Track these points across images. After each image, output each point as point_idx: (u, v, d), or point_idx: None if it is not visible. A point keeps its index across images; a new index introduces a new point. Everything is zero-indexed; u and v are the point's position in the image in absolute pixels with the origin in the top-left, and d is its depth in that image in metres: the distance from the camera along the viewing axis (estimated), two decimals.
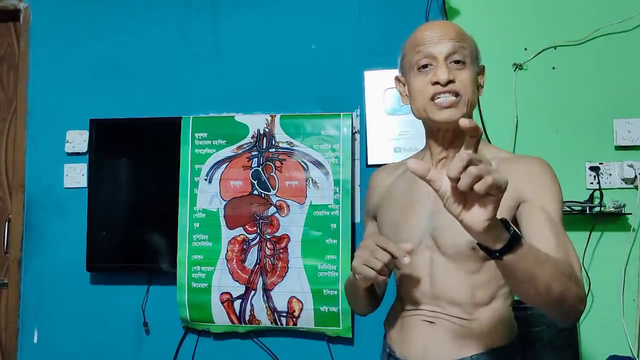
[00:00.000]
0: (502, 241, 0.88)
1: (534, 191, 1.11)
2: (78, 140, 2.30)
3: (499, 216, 0.87)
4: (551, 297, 0.95)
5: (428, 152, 1.25)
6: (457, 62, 1.15)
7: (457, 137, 1.19)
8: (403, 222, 1.21)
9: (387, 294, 1.37)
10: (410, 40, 1.21)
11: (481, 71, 1.23)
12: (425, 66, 1.16)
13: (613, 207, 1.96)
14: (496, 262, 0.92)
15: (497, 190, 0.82)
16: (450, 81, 1.13)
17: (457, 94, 1.14)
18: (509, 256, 0.89)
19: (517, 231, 0.90)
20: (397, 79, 1.27)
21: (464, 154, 0.81)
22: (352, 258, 2.01)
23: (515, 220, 1.13)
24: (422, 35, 1.18)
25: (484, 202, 0.83)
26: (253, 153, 2.15)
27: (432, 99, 1.15)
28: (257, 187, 2.14)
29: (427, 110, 1.16)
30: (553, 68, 2.09)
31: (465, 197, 0.84)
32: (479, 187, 0.80)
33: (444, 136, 1.20)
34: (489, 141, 1.88)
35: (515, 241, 0.89)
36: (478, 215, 0.84)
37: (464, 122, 0.82)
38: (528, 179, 1.13)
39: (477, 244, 0.91)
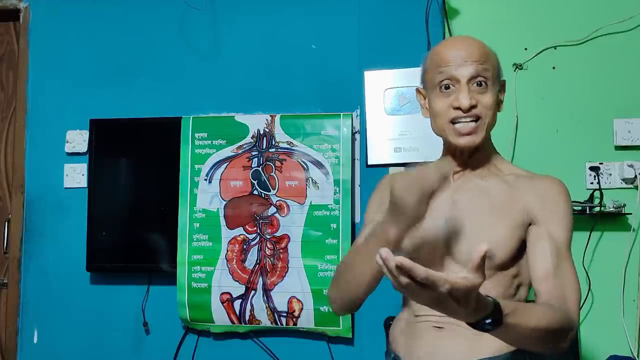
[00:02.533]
0: (474, 322, 0.90)
1: (544, 215, 1.13)
2: (78, 140, 2.30)
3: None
4: (535, 348, 1.04)
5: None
6: (479, 84, 1.15)
7: (474, 155, 1.21)
8: (418, 227, 1.19)
9: (391, 297, 1.37)
10: (433, 57, 1.20)
11: (502, 87, 1.23)
12: (447, 87, 1.16)
13: (613, 207, 1.96)
14: None
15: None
16: (472, 106, 1.14)
17: (477, 118, 1.15)
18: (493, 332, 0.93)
19: (499, 315, 0.90)
20: (418, 91, 1.28)
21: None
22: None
23: (524, 241, 1.15)
24: (445, 55, 1.17)
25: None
26: (253, 153, 2.15)
27: (453, 122, 1.16)
28: (257, 187, 2.14)
29: (447, 134, 1.18)
30: (553, 68, 2.09)
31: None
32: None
33: (461, 153, 1.21)
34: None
35: (496, 323, 0.90)
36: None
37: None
38: (541, 200, 1.14)
39: None
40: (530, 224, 1.14)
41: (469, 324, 0.91)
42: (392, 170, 2.05)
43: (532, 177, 1.20)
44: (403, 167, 1.42)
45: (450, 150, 1.23)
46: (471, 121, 1.15)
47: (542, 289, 1.09)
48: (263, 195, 2.13)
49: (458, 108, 1.14)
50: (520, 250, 1.15)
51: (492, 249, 1.11)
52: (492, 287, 1.13)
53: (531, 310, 0.99)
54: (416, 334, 1.18)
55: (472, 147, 1.17)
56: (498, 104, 1.21)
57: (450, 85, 1.16)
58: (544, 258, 1.09)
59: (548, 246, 1.10)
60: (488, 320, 0.89)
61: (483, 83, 1.15)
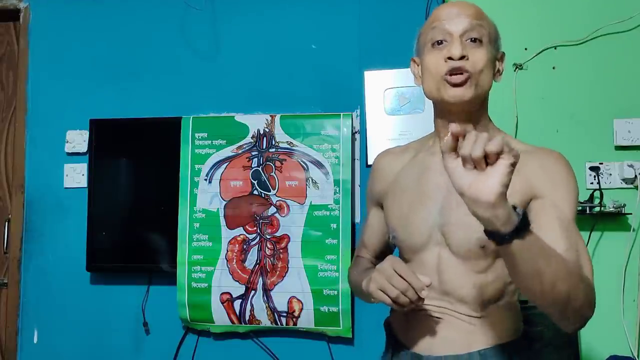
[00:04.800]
0: (510, 224, 0.85)
1: (547, 187, 1.08)
2: (78, 140, 2.30)
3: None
4: (556, 296, 0.92)
5: (436, 137, 1.21)
6: (473, 40, 1.11)
7: (468, 121, 1.15)
8: (412, 215, 1.18)
9: None
10: (428, 20, 1.18)
11: (501, 57, 1.19)
12: (440, 42, 1.12)
13: (613, 207, 1.96)
14: (502, 250, 0.89)
15: (508, 153, 0.82)
16: (464, 56, 1.09)
17: (469, 72, 1.10)
18: (517, 242, 0.86)
19: (527, 215, 0.87)
20: (412, 60, 1.24)
21: (472, 132, 0.84)
22: (352, 257, 2.02)
23: None
24: (439, 12, 1.15)
25: (496, 169, 0.83)
26: (253, 153, 2.15)
27: (445, 75, 1.11)
28: (257, 187, 2.14)
29: (439, 88, 1.12)
30: (553, 68, 2.09)
31: (476, 169, 0.84)
32: (491, 146, 0.81)
33: (455, 120, 1.14)
34: None
35: (524, 226, 0.86)
36: (489, 182, 0.83)
37: (453, 128, 0.85)
38: (543, 173, 1.09)
39: (485, 230, 0.89)
40: (531, 200, 1.08)
41: (488, 233, 0.88)
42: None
43: (532, 151, 1.15)
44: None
45: (443, 115, 1.17)
46: (461, 73, 1.10)
47: None
48: (263, 195, 2.13)
49: (450, 59, 1.10)
50: None
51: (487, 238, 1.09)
52: (493, 279, 1.13)
53: (556, 251, 0.94)
54: (414, 325, 1.17)
55: (462, 100, 1.10)
56: (494, 73, 1.16)
57: (443, 41, 1.12)
58: (554, 230, 1.02)
59: (555, 218, 1.04)
60: (517, 218, 0.85)
61: (477, 40, 1.11)
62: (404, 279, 1.04)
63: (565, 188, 1.08)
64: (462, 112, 1.14)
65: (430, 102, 1.21)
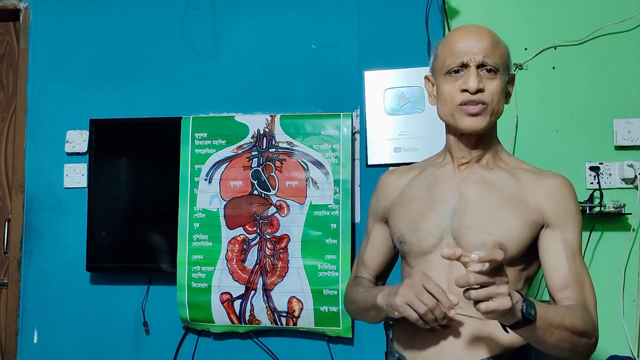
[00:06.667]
0: (513, 321, 0.97)
1: (557, 216, 1.15)
2: (78, 140, 2.30)
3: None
4: (559, 353, 1.06)
5: (449, 155, 1.26)
6: (488, 70, 1.16)
7: (480, 141, 1.21)
8: (422, 219, 1.20)
9: None
10: (445, 43, 1.22)
11: (511, 80, 1.24)
12: (456, 71, 1.17)
13: (613, 207, 1.96)
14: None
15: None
16: (480, 90, 1.15)
17: (485, 104, 1.16)
18: (520, 330, 0.99)
19: (530, 315, 0.97)
20: (426, 78, 1.29)
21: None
22: (352, 259, 2.02)
23: (535, 241, 1.16)
24: (457, 40, 1.19)
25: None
26: (253, 153, 2.15)
27: (460, 105, 1.17)
28: (257, 187, 2.14)
29: (455, 116, 1.18)
30: (553, 68, 2.09)
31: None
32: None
33: (468, 140, 1.21)
34: None
35: (525, 323, 0.97)
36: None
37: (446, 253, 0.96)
38: (552, 201, 1.16)
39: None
40: (543, 226, 1.16)
41: (507, 324, 0.97)
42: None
43: (538, 174, 1.21)
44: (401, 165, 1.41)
45: (455, 136, 1.22)
46: (478, 104, 1.16)
47: (561, 297, 1.12)
48: (263, 195, 2.13)
49: (466, 90, 1.15)
50: (530, 246, 1.16)
51: (504, 242, 1.11)
52: None
53: (558, 307, 1.05)
54: (421, 333, 1.16)
55: (476, 130, 1.16)
56: (506, 95, 1.22)
57: (460, 70, 1.17)
58: (561, 267, 1.12)
59: (564, 253, 1.13)
60: (524, 305, 0.95)
61: (492, 70, 1.16)
62: (434, 296, 1.05)
63: (573, 219, 1.17)
64: (474, 136, 1.20)
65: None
